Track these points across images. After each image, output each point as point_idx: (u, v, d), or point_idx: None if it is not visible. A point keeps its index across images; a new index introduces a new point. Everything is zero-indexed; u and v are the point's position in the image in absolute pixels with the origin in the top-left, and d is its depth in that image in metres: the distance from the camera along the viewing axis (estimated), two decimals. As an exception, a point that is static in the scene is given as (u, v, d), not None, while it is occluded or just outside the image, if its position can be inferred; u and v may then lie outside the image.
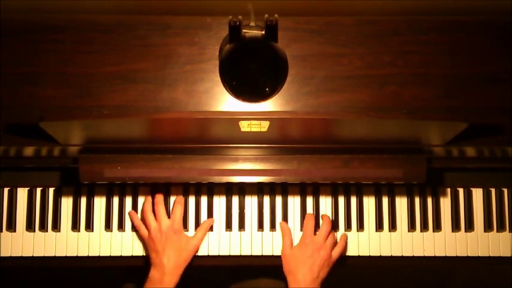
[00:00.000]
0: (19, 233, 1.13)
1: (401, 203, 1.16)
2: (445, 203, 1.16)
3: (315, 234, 1.09)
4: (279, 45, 0.98)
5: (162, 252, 1.04)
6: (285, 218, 1.14)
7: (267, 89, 0.99)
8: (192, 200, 1.14)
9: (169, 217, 1.09)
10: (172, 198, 1.14)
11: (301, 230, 1.13)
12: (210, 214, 1.14)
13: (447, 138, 0.96)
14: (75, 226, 1.13)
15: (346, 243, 1.12)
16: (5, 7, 1.05)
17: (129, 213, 1.12)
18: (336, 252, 1.09)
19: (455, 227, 1.15)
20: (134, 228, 1.13)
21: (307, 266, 1.04)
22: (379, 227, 1.14)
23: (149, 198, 1.11)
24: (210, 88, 1.01)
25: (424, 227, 1.14)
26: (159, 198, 1.10)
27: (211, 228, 1.13)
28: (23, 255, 1.12)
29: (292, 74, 1.01)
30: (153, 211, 1.09)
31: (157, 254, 1.05)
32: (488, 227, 1.15)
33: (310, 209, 1.14)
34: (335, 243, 1.10)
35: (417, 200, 1.16)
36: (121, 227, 1.13)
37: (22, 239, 1.13)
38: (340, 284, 1.44)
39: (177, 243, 1.06)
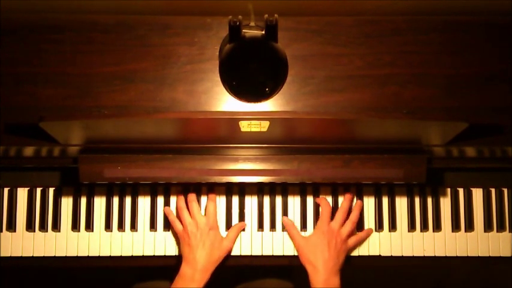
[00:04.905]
0: (19, 233, 1.13)
1: (401, 203, 1.15)
2: (445, 203, 1.16)
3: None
4: (279, 45, 0.98)
5: (196, 248, 1.04)
6: (285, 218, 1.14)
7: (267, 89, 0.99)
8: (192, 200, 1.14)
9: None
10: (173, 198, 1.14)
11: (301, 230, 1.13)
12: (210, 214, 1.14)
13: (447, 138, 0.96)
14: (75, 226, 1.13)
15: (366, 235, 1.12)
16: (5, 7, 1.05)
17: (164, 209, 1.12)
18: (352, 241, 1.09)
19: (455, 227, 1.15)
20: (134, 228, 1.13)
21: (327, 253, 1.04)
22: (379, 227, 1.14)
23: (182, 196, 1.11)
24: (210, 88, 1.01)
25: (424, 227, 1.14)
26: (192, 196, 1.10)
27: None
28: (23, 255, 1.12)
29: (292, 74, 1.01)
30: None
31: (191, 249, 1.04)
32: (488, 227, 1.15)
33: (310, 209, 1.14)
34: (352, 232, 1.10)
35: (417, 200, 1.16)
36: (121, 227, 1.13)
37: (22, 239, 1.13)
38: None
39: (211, 241, 1.06)
